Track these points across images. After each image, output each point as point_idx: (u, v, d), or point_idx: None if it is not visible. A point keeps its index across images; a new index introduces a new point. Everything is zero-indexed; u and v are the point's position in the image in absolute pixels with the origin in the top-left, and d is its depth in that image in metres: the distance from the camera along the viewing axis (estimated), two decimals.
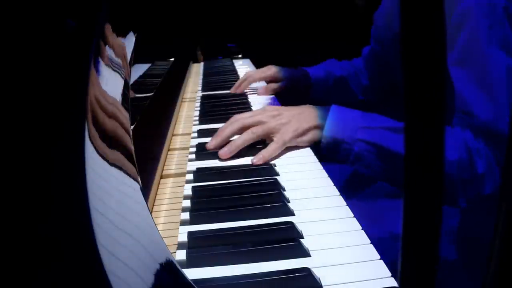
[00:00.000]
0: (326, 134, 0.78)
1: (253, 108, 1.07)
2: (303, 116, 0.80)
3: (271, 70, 1.21)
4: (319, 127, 0.79)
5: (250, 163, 0.74)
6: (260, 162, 0.74)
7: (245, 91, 1.25)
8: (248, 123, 0.79)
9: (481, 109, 0.76)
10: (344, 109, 0.81)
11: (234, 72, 1.56)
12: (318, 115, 0.80)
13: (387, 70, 1.17)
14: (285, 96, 1.20)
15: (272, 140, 0.78)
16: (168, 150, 0.82)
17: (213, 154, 0.78)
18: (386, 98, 1.23)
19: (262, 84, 1.24)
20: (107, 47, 0.40)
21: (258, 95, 1.21)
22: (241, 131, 0.79)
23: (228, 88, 1.28)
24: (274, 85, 1.21)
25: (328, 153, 0.80)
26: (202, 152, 0.80)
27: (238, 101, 1.14)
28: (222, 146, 0.78)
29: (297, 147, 0.80)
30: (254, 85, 1.26)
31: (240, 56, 1.87)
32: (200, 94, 1.28)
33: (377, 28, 1.11)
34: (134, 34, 0.59)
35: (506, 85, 0.74)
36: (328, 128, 0.78)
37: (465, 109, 0.77)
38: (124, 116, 0.44)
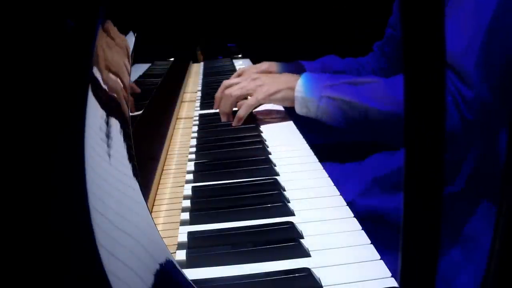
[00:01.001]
0: (296, 95, 0.90)
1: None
2: (279, 80, 0.94)
3: (264, 65, 1.22)
4: (293, 89, 0.91)
5: (249, 161, 0.74)
6: (237, 123, 0.93)
7: None
8: (238, 95, 0.96)
9: (450, 40, 0.76)
10: (314, 74, 0.94)
11: (234, 72, 1.55)
12: (295, 79, 0.92)
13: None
14: None
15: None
16: (168, 150, 0.82)
17: (213, 154, 0.79)
18: None
19: None
20: (107, 47, 0.40)
21: None
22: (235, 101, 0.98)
23: None
24: None
25: (300, 112, 0.91)
26: (202, 152, 0.80)
27: None
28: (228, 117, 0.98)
29: (298, 149, 0.81)
30: None
31: (240, 56, 1.86)
32: (200, 94, 1.28)
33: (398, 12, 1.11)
34: (134, 34, 0.59)
35: (485, 34, 0.75)
36: (297, 89, 0.91)
37: None
38: (125, 115, 0.44)
